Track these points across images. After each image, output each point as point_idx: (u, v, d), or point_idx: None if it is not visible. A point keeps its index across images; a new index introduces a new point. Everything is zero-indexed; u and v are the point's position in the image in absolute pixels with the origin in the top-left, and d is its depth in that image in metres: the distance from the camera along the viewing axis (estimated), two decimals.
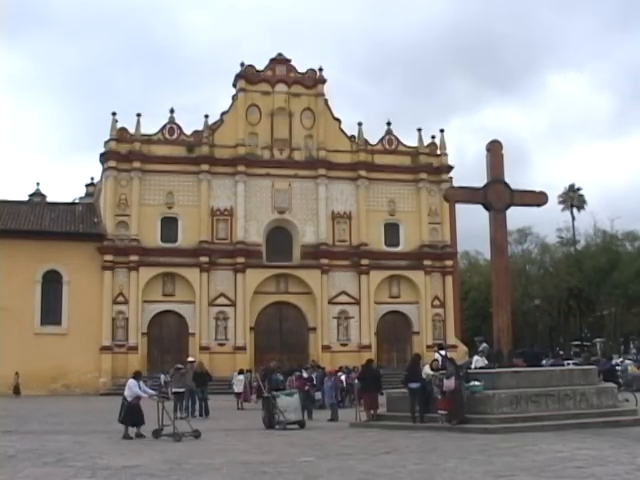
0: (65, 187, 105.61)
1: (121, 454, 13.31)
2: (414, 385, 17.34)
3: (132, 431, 16.47)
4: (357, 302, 44.86)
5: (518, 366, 18.89)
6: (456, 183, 43.39)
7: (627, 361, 39.99)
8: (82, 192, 53.52)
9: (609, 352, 55.55)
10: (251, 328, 43.40)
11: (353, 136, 46.99)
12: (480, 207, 19.27)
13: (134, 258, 42.07)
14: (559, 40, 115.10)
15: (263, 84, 46.13)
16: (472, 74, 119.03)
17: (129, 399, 16.65)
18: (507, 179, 19.25)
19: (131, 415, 16.44)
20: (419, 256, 45.82)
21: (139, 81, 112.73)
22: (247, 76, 46.01)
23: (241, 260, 43.45)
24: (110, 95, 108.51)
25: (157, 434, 16.06)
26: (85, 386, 39.31)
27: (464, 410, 16.08)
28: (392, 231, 46.31)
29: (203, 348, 41.58)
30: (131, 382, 17.00)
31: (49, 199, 48.11)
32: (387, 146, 47.48)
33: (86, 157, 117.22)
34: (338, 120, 47.23)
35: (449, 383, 16.26)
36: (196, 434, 15.94)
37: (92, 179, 52.56)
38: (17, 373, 37.68)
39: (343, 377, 27.79)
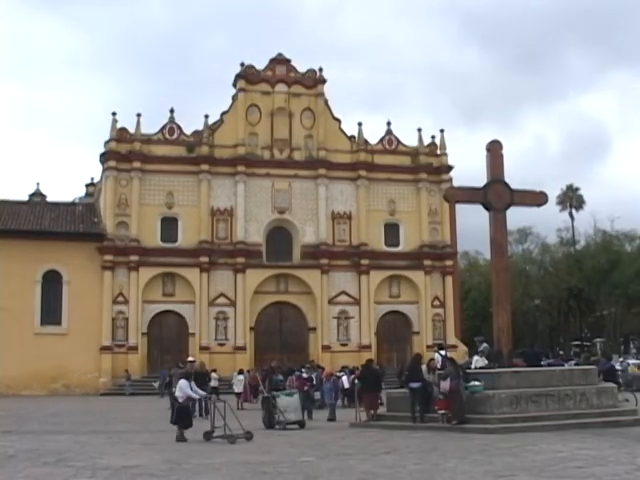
0: (65, 187, 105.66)
1: (121, 454, 13.31)
2: (415, 385, 17.34)
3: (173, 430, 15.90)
4: (357, 302, 44.86)
5: (518, 366, 18.89)
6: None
7: (630, 361, 39.85)
8: (82, 192, 53.55)
9: (609, 352, 55.50)
10: (251, 328, 43.42)
11: (353, 136, 47.01)
12: (480, 207, 19.29)
13: (134, 258, 42.08)
14: None
15: (263, 84, 46.15)
16: (584, 49, 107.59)
17: (180, 400, 16.08)
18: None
19: (180, 417, 15.88)
20: (419, 256, 45.83)
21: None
22: (247, 76, 46.01)
23: (241, 260, 43.46)
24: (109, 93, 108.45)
25: (208, 436, 15.44)
26: (85, 386, 39.34)
27: (464, 411, 16.07)
28: (392, 231, 46.32)
29: (203, 348, 41.59)
30: (182, 383, 16.31)
31: (49, 199, 48.09)
32: (387, 146, 47.48)
33: (86, 157, 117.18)
34: (338, 120, 47.25)
35: (444, 385, 16.28)
36: (248, 436, 15.33)
37: (92, 179, 52.61)
38: None
39: (345, 378, 27.37)
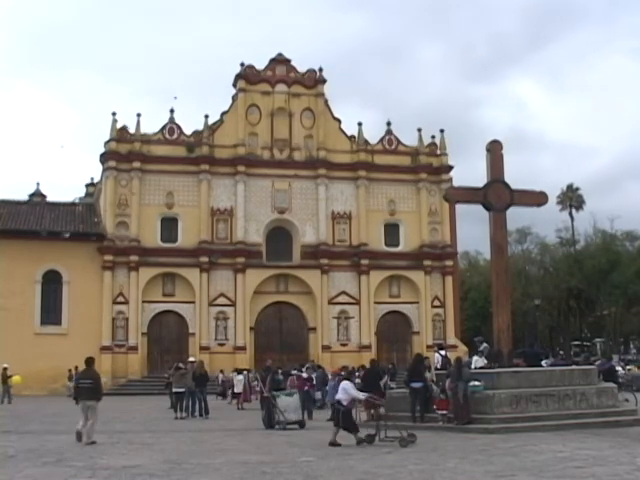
0: (65, 187, 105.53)
1: (121, 454, 13.31)
2: (416, 385, 17.34)
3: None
4: (357, 302, 44.85)
5: (518, 366, 18.90)
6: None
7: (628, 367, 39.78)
8: (82, 192, 53.54)
9: (609, 352, 55.53)
10: (251, 328, 43.41)
11: (353, 136, 47.02)
12: (480, 207, 19.30)
13: (134, 258, 42.06)
14: None
15: (263, 84, 46.14)
16: None
17: (345, 403, 14.56)
18: None
19: (349, 421, 14.58)
20: (419, 256, 45.82)
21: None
22: (247, 76, 46.01)
23: (241, 260, 43.45)
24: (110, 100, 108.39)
25: (372, 439, 14.46)
26: None
27: (469, 411, 16.01)
28: (392, 231, 46.31)
29: (203, 348, 41.58)
30: (347, 384, 14.90)
31: (49, 199, 48.03)
32: (387, 146, 47.47)
33: (86, 157, 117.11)
34: (338, 120, 47.24)
35: (447, 383, 16.31)
36: (412, 439, 14.18)
37: (92, 179, 52.60)
38: None
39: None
